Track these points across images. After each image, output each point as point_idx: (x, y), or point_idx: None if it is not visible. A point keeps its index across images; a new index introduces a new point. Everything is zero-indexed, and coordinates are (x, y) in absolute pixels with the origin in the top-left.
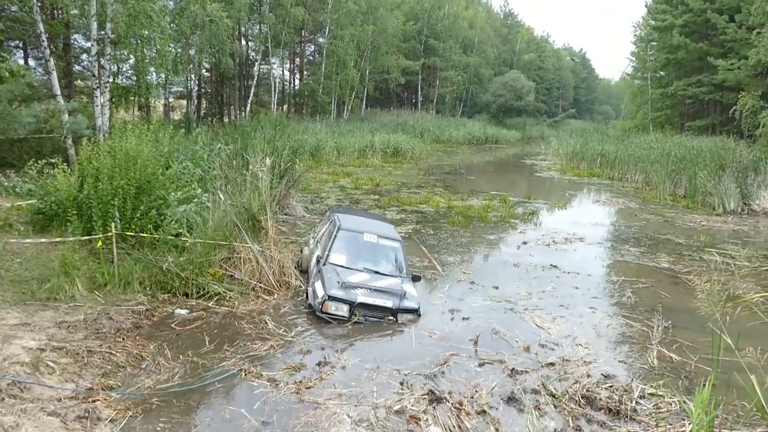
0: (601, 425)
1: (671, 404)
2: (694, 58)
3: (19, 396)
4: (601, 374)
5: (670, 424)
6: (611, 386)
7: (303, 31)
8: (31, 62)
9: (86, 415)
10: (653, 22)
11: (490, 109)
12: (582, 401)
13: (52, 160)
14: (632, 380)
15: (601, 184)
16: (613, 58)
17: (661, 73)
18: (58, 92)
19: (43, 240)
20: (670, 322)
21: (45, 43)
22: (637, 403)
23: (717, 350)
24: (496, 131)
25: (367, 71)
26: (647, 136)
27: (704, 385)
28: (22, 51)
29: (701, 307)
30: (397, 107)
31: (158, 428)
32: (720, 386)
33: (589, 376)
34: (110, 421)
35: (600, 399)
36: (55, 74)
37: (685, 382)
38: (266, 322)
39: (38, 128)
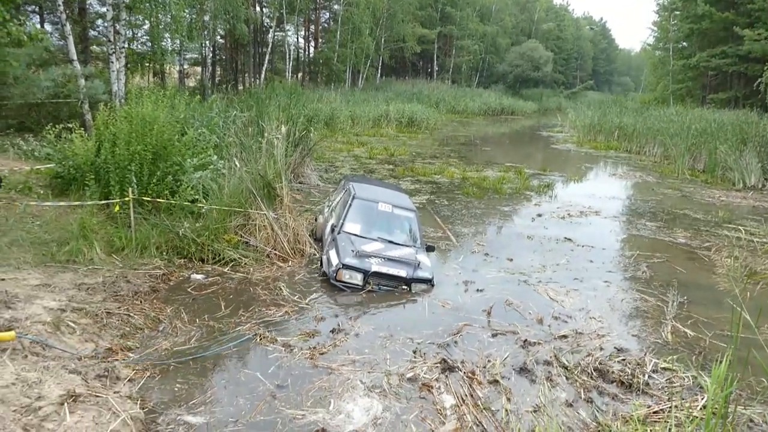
0: (613, 398)
1: (684, 379)
2: (719, 27)
3: (41, 354)
4: (614, 348)
5: (683, 399)
6: (624, 360)
7: None
8: (47, 27)
9: (106, 374)
10: None
11: (507, 79)
12: (594, 374)
13: (69, 125)
14: (645, 354)
15: (618, 157)
16: (634, 28)
17: (684, 43)
18: (75, 57)
19: (62, 203)
20: (685, 297)
21: (61, 8)
22: (649, 377)
23: (736, 326)
24: (513, 102)
25: (383, 39)
26: (667, 109)
27: (720, 361)
28: (38, 16)
29: (718, 283)
30: (413, 77)
31: (175, 389)
32: (736, 363)
33: (601, 349)
34: (129, 380)
35: (612, 372)
36: (71, 39)
37: (700, 358)
38: (281, 289)
39: (56, 92)
